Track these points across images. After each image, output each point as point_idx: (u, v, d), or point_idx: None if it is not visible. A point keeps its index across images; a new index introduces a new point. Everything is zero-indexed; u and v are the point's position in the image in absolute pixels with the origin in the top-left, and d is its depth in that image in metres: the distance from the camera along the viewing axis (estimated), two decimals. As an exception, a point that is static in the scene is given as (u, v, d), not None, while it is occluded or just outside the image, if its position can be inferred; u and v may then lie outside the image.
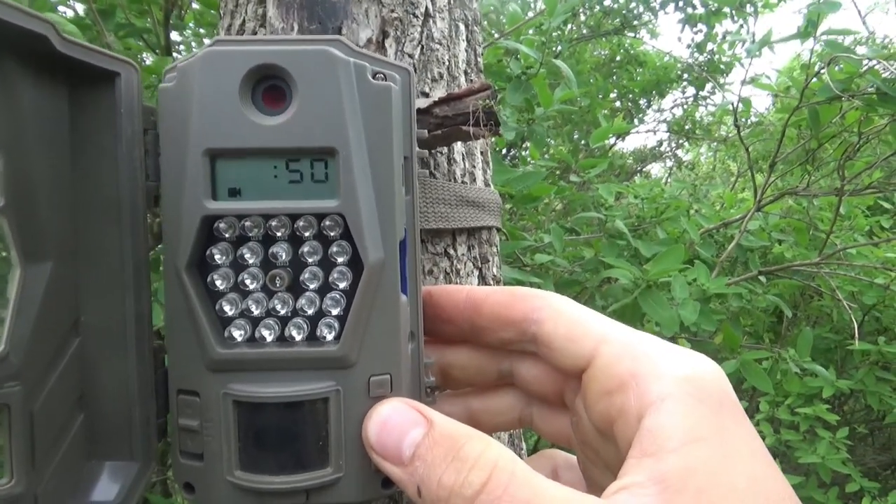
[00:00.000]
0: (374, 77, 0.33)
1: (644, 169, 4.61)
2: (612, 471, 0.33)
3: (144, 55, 1.63)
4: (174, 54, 1.48)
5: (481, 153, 0.55)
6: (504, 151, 2.34)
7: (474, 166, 0.53)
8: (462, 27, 0.53)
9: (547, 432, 0.39)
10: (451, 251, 0.49)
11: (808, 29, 1.44)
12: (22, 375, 0.30)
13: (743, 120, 2.36)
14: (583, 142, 3.16)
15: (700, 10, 3.22)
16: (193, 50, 1.82)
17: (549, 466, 0.40)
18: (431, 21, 0.50)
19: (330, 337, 0.33)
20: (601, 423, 0.32)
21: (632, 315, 1.15)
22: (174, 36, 1.62)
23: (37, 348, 0.31)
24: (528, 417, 0.40)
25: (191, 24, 1.72)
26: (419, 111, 0.42)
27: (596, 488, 0.35)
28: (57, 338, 0.32)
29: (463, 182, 0.51)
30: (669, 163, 4.78)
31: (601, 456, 0.34)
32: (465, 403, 0.41)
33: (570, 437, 0.38)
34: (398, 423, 0.31)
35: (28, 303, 0.30)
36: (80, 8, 1.67)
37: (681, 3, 3.20)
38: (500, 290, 0.38)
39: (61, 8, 1.62)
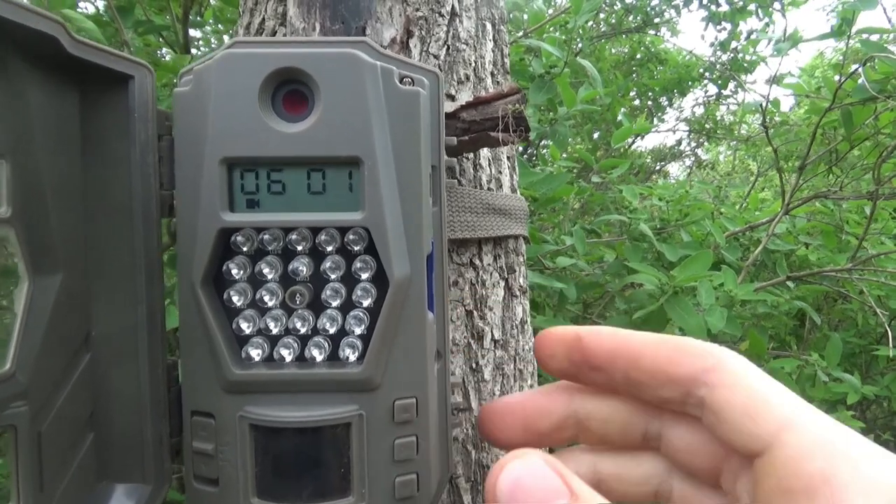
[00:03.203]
0: (401, 81, 0.31)
1: (662, 168, 4.55)
2: None
3: (163, 51, 1.63)
4: (193, 51, 1.47)
5: (508, 158, 0.52)
6: (521, 151, 2.32)
7: (500, 172, 0.51)
8: (489, 26, 0.51)
9: None
10: (477, 261, 0.47)
11: (842, 27, 1.40)
12: (29, 395, 0.28)
13: (768, 119, 2.31)
14: (602, 141, 3.12)
15: (724, 8, 3.16)
16: (213, 47, 1.81)
17: None
18: (457, 20, 0.48)
19: (352, 357, 0.31)
20: None
21: (657, 321, 1.11)
22: (193, 33, 1.62)
23: (45, 365, 0.29)
24: (667, 492, 0.35)
25: (210, 21, 1.72)
26: (445, 116, 0.40)
27: None
28: (67, 354, 0.31)
29: (489, 188, 0.49)
30: (688, 162, 4.72)
31: None
32: (594, 463, 0.36)
33: None
34: (536, 489, 0.27)
35: (36, 317, 0.29)
36: (101, 4, 1.67)
37: (705, 1, 3.15)
38: (664, 341, 0.33)
39: (81, 5, 1.62)
